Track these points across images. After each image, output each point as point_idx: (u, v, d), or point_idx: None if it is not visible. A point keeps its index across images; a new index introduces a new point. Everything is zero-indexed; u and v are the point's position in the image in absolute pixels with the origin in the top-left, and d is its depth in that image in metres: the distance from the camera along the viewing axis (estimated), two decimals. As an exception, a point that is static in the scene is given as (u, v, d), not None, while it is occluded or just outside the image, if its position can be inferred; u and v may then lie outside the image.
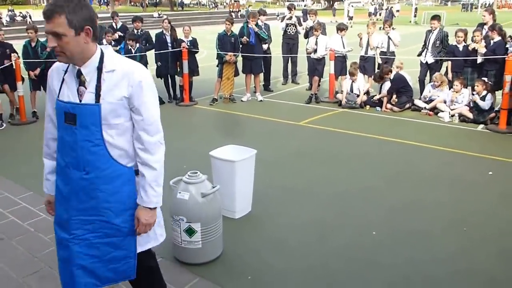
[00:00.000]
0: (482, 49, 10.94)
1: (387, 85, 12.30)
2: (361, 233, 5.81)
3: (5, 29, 12.50)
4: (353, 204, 6.67)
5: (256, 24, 13.40)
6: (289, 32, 15.31)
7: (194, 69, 13.34)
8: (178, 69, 13.35)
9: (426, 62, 12.58)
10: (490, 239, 5.67)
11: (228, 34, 13.10)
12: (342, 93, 12.88)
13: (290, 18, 15.39)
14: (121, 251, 3.20)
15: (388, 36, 13.32)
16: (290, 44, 15.40)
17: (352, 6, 51.56)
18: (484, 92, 10.76)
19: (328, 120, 11.51)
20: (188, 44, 13.03)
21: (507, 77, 10.03)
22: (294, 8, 15.87)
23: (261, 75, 14.50)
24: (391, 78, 12.23)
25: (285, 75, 16.07)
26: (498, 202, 6.74)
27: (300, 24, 15.67)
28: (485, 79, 10.95)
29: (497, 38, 10.87)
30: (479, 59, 11.02)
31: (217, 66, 13.49)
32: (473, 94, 11.00)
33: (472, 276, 4.86)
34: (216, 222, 5.05)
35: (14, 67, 11.26)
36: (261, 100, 13.57)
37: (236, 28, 13.41)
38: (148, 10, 62.78)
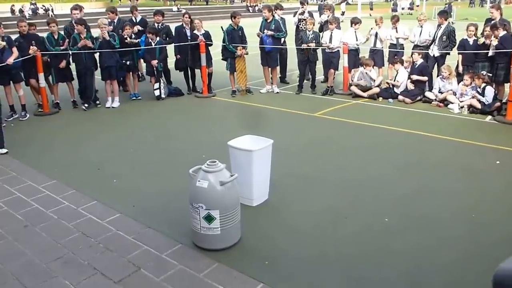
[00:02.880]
0: (494, 42, 10.81)
1: (401, 72, 12.26)
2: (374, 219, 5.79)
3: (28, 22, 12.44)
4: (365, 192, 6.64)
5: (273, 20, 13.34)
6: (302, 27, 14.68)
7: (208, 61, 13.32)
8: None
9: (434, 55, 12.51)
10: (497, 225, 5.63)
11: (236, 28, 13.07)
12: (355, 80, 12.89)
13: (303, 13, 14.87)
14: None
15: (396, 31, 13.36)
16: (301, 40, 15.01)
17: (344, 2, 52.27)
18: (483, 85, 10.74)
19: (342, 111, 11.45)
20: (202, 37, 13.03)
21: (513, 69, 9.96)
22: (307, 3, 15.38)
23: (277, 68, 14.45)
24: (417, 65, 12.18)
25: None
26: (505, 189, 6.70)
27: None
28: (484, 72, 10.98)
29: (502, 32, 10.74)
30: (491, 52, 10.89)
31: (223, 59, 13.47)
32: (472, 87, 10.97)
33: (480, 261, 4.83)
34: (234, 209, 5.06)
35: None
36: (277, 92, 13.54)
37: (247, 22, 13.29)
38: (167, 4, 62.70)
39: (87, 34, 11.68)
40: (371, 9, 55.90)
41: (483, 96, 10.70)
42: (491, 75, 10.98)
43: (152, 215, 5.97)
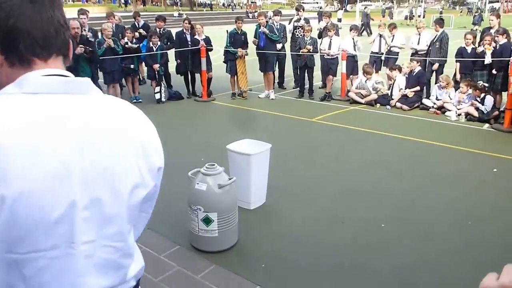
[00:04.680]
0: (488, 50, 10.82)
1: (399, 79, 12.28)
2: (370, 225, 5.79)
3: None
4: (362, 198, 6.64)
5: (267, 25, 13.33)
6: (297, 34, 14.27)
7: (207, 66, 13.36)
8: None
9: (431, 62, 12.57)
10: (494, 233, 5.62)
11: (239, 32, 13.16)
12: (352, 91, 12.91)
13: (298, 20, 14.58)
14: None
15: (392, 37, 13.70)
16: (297, 48, 13.90)
17: (341, 9, 52.61)
18: (482, 95, 10.72)
19: (340, 117, 11.47)
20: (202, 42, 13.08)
21: (511, 78, 9.95)
22: (303, 10, 15.17)
23: (276, 73, 14.47)
24: (415, 73, 12.20)
25: (296, 78, 14.88)
26: (502, 197, 6.69)
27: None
28: (481, 82, 10.98)
29: (503, 40, 10.78)
30: (487, 60, 10.90)
31: (224, 62, 13.53)
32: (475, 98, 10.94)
33: (477, 268, 4.82)
34: (232, 212, 5.06)
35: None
36: (272, 98, 13.52)
37: (246, 27, 13.33)
38: (169, 9, 62.76)
39: (83, 36, 11.69)
40: (383, 16, 56.31)
41: (483, 105, 10.70)
42: (487, 84, 10.99)
43: (150, 216, 5.96)
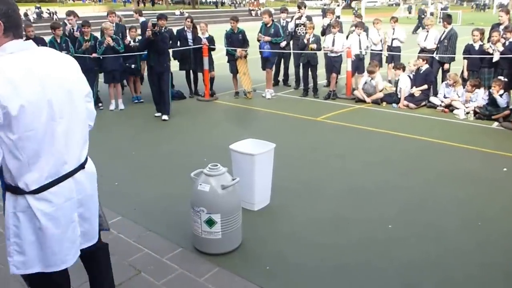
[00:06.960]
0: (499, 48, 10.76)
1: (402, 78, 12.24)
2: (377, 226, 5.77)
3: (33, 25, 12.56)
4: (368, 198, 6.62)
5: (272, 24, 13.31)
6: (299, 32, 14.03)
7: (210, 65, 13.38)
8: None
9: (438, 60, 12.56)
10: (504, 234, 5.58)
11: (235, 31, 13.15)
12: (358, 89, 12.88)
13: (300, 17, 14.37)
14: None
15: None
16: (300, 46, 13.45)
17: (339, 5, 52.63)
18: (502, 91, 10.61)
19: (345, 116, 11.44)
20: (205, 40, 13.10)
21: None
22: (305, 7, 14.75)
23: (281, 71, 14.56)
24: (422, 70, 12.16)
25: (297, 78, 14.68)
26: (512, 198, 6.67)
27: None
28: (502, 77, 10.80)
29: (513, 38, 10.72)
30: (496, 58, 10.84)
31: (228, 62, 13.56)
32: (490, 92, 10.81)
33: (486, 270, 4.80)
34: (235, 213, 5.05)
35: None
36: (268, 98, 13.49)
37: (250, 25, 13.33)
38: (171, 8, 62.81)
39: (91, 36, 11.78)
40: (410, 12, 56.38)
41: (501, 97, 10.59)
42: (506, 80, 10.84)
43: (153, 218, 5.97)
